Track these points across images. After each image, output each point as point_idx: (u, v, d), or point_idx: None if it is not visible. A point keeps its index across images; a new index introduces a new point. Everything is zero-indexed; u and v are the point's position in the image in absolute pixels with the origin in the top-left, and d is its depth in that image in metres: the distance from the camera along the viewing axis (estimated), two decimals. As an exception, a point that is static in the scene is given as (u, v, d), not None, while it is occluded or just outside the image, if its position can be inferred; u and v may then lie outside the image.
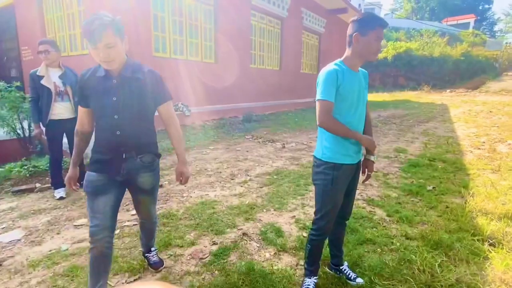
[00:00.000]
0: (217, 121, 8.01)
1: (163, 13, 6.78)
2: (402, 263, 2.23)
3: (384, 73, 24.30)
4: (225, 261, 2.28)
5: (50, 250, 2.43)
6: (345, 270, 2.09)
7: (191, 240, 2.57)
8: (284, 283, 2.01)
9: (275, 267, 2.20)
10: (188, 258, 2.33)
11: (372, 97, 18.05)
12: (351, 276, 2.05)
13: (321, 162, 1.81)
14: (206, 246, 2.49)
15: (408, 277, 2.06)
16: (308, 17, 12.01)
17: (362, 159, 1.95)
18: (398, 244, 2.50)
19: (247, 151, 5.62)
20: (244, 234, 2.68)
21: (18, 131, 4.59)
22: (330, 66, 1.72)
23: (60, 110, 3.35)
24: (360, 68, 1.83)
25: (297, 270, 2.19)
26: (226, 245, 2.49)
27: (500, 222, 2.79)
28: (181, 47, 7.35)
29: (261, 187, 3.84)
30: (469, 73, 22.57)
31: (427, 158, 5.17)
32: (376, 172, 4.42)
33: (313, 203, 3.32)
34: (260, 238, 2.63)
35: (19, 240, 2.60)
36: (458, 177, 4.22)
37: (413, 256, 2.28)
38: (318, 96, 1.71)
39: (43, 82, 3.24)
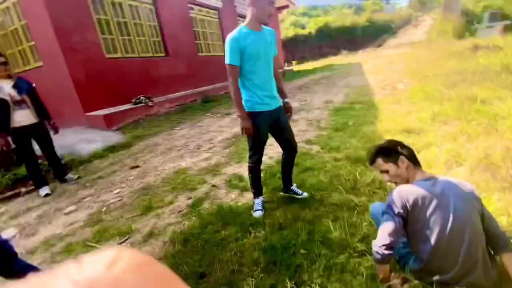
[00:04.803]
0: (179, 106, 7.66)
1: (106, 16, 6.06)
2: (333, 179, 2.42)
3: (310, 46, 24.60)
4: (199, 208, 2.31)
5: (45, 237, 2.28)
6: (294, 189, 2.23)
7: (169, 200, 2.54)
8: (247, 212, 2.10)
9: (239, 203, 2.28)
10: (169, 214, 2.32)
11: (305, 66, 18.34)
12: (299, 192, 2.20)
13: (248, 112, 1.86)
14: (182, 202, 2.49)
15: (338, 186, 2.26)
16: (241, 4, 11.50)
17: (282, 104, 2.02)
18: (329, 166, 2.69)
19: (209, 125, 5.51)
20: (213, 185, 2.71)
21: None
22: (232, 33, 1.72)
23: (22, 117, 2.94)
24: (266, 27, 1.83)
25: (257, 202, 2.28)
26: (199, 197, 2.51)
27: (399, 135, 3.11)
28: (131, 46, 6.72)
29: (223, 149, 3.84)
30: (374, 35, 23.65)
31: (348, 103, 5.49)
32: (311, 120, 4.62)
33: (265, 152, 3.43)
34: (226, 185, 2.68)
35: (13, 236, 2.39)
36: (371, 112, 4.55)
37: (341, 172, 2.49)
38: (225, 61, 1.74)
39: None
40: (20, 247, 2.18)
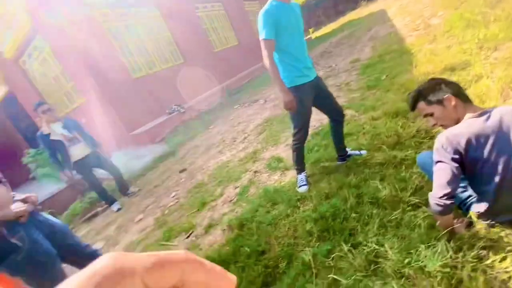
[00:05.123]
0: (208, 106, 7.95)
1: (124, 40, 6.48)
2: (374, 139, 2.33)
3: (324, 8, 22.90)
4: (247, 195, 2.44)
5: (125, 244, 2.65)
6: (351, 152, 2.20)
7: (219, 193, 2.73)
8: (292, 189, 2.16)
9: (282, 183, 2.35)
10: (221, 205, 2.50)
11: (323, 31, 17.26)
12: (357, 152, 2.17)
13: (289, 88, 1.81)
14: (231, 192, 2.65)
15: (380, 145, 2.17)
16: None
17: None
18: (367, 127, 2.58)
19: (239, 117, 5.63)
20: (255, 172, 2.82)
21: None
22: (265, 7, 1.69)
23: (77, 151, 3.27)
24: (292, 1, 1.78)
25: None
26: (245, 185, 2.64)
27: (442, 75, 2.80)
28: (152, 62, 7.11)
29: (257, 136, 3.92)
30: (394, -27, 20.97)
31: (376, 57, 5.08)
32: (339, 85, 4.41)
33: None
34: (267, 169, 2.76)
35: (101, 247, 2.83)
36: (404, 60, 4.16)
37: (381, 130, 2.37)
38: (260, 36, 1.71)
39: (52, 137, 3.13)
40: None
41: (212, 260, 1.72)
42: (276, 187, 2.30)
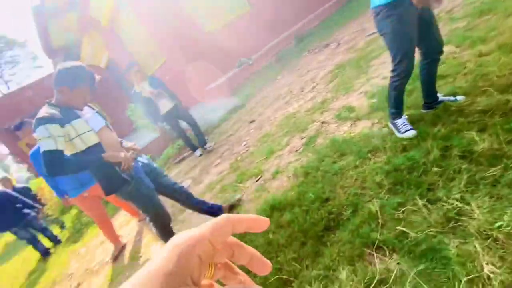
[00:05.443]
0: (275, 55, 7.67)
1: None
2: (477, 80, 1.87)
3: None
4: (313, 145, 2.42)
5: (207, 183, 3.11)
6: (444, 98, 1.87)
7: (286, 142, 2.79)
8: (363, 140, 2.02)
9: (352, 134, 2.21)
10: (287, 154, 2.58)
11: None
12: (451, 98, 1.83)
13: (381, 7, 1.56)
14: (297, 142, 2.67)
15: (486, 87, 1.73)
16: None
17: None
18: (471, 66, 2.06)
19: (308, 64, 5.29)
20: (322, 122, 2.72)
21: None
22: None
23: (163, 105, 3.68)
24: None
25: (373, 128, 2.13)
26: (312, 135, 2.60)
27: None
28: (220, 13, 7.08)
29: (327, 85, 3.66)
30: None
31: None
32: (439, 14, 3.51)
33: (377, 74, 3.01)
34: (336, 120, 2.62)
35: (189, 185, 3.41)
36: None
37: (489, 69, 1.87)
38: None
39: (143, 95, 3.55)
40: (194, 190, 3.10)
41: (278, 202, 1.87)
42: (345, 138, 2.19)
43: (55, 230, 5.39)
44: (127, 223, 3.68)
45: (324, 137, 2.45)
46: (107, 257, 3.00)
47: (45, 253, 4.51)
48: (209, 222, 0.22)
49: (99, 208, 2.92)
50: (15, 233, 4.29)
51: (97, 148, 1.56)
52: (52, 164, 1.37)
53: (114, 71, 9.41)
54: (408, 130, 1.75)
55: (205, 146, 4.14)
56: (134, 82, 3.60)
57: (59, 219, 6.04)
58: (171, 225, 1.88)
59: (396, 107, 1.82)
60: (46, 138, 1.38)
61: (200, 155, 4.14)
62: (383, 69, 2.96)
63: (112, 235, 2.98)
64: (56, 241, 4.78)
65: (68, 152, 1.50)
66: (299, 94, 4.01)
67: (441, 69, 2.26)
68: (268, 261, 0.25)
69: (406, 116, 1.85)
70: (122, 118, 7.00)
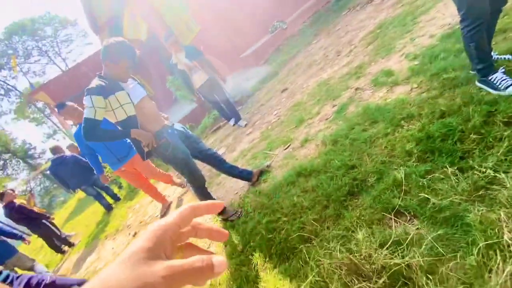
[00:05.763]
0: (312, 17, 7.14)
1: None
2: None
3: None
4: (345, 113, 2.36)
5: (240, 151, 3.27)
6: (497, 57, 1.68)
7: (316, 111, 2.76)
8: (396, 107, 1.91)
9: (387, 100, 2.09)
10: (317, 122, 2.56)
11: None
12: (506, 57, 1.65)
13: None
14: (328, 110, 2.62)
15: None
16: None
17: None
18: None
19: (347, 25, 4.87)
20: (356, 89, 2.60)
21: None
22: None
23: (197, 79, 3.67)
24: None
25: (411, 94, 1.99)
26: (344, 103, 2.52)
27: None
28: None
29: (366, 47, 3.39)
30: None
31: None
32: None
33: (423, 32, 2.70)
34: (372, 85, 2.48)
35: (223, 152, 3.62)
36: None
37: None
38: None
39: (179, 67, 3.56)
40: (227, 159, 3.30)
41: (304, 169, 1.94)
42: (379, 105, 2.09)
43: (115, 189, 6.27)
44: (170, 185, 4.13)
45: (356, 104, 2.36)
46: (157, 212, 3.47)
47: (109, 208, 5.35)
48: (177, 211, 0.29)
49: (140, 178, 3.23)
50: (84, 190, 5.13)
51: (134, 119, 1.76)
52: (87, 130, 1.59)
53: (155, 43, 9.76)
54: (509, 86, 1.43)
55: (239, 123, 4.08)
56: (172, 53, 3.65)
57: (117, 180, 6.98)
58: (205, 186, 2.09)
59: (483, 60, 1.52)
60: (89, 108, 1.58)
61: (234, 125, 4.25)
62: (430, 26, 2.63)
63: (158, 197, 3.39)
64: (116, 198, 5.61)
65: (112, 120, 1.72)
66: (334, 59, 3.79)
67: (501, 21, 1.94)
68: (225, 231, 0.33)
69: (504, 69, 1.53)
70: (163, 90, 7.43)
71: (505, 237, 0.88)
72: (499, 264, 0.87)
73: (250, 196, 2.18)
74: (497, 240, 0.89)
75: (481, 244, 0.91)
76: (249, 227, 1.85)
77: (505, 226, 0.91)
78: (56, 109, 3.24)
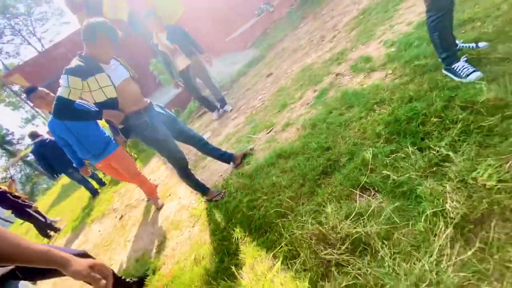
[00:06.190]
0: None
1: None
2: (505, 24, 1.70)
3: None
4: (325, 98, 2.45)
5: (225, 135, 3.33)
6: (463, 46, 1.75)
7: (299, 96, 2.84)
8: (371, 92, 2.02)
9: (364, 86, 2.19)
10: (299, 107, 2.65)
11: None
12: (471, 45, 1.72)
13: None
14: (309, 95, 2.71)
15: (512, 33, 1.59)
16: None
17: None
18: (505, 8, 1.85)
19: (333, 10, 4.88)
20: (337, 74, 2.68)
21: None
22: None
23: (179, 63, 3.48)
24: None
25: (385, 80, 2.09)
26: (324, 88, 2.61)
27: None
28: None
29: (349, 33, 3.45)
30: None
31: None
32: None
33: (402, 19, 2.79)
34: (351, 71, 2.57)
35: (209, 137, 3.67)
36: None
37: (525, 8, 1.67)
38: None
39: (160, 48, 3.35)
40: (213, 142, 3.36)
41: (284, 151, 2.04)
42: (356, 90, 2.19)
43: (100, 174, 6.23)
44: (157, 168, 4.16)
45: (336, 89, 2.46)
46: (143, 196, 3.53)
47: (94, 193, 5.34)
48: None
49: (119, 174, 2.88)
50: (70, 174, 5.05)
51: (115, 100, 1.77)
52: (59, 109, 1.55)
53: (137, 25, 9.37)
54: (472, 72, 1.51)
55: (224, 108, 4.00)
56: (153, 33, 3.41)
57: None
58: (188, 167, 2.12)
59: (447, 49, 1.59)
60: (64, 87, 1.55)
61: (216, 119, 4.00)
62: (409, 13, 2.72)
63: (152, 191, 2.92)
64: (101, 183, 5.59)
65: (90, 101, 1.73)
66: (319, 44, 3.84)
67: (471, 11, 2.05)
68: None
69: (466, 58, 1.62)
70: (147, 74, 7.25)
71: (447, 205, 1.01)
72: (441, 228, 1.01)
73: (233, 178, 2.28)
74: (441, 208, 1.03)
75: (428, 212, 1.05)
76: (231, 206, 1.96)
77: (449, 197, 1.05)
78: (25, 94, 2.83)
